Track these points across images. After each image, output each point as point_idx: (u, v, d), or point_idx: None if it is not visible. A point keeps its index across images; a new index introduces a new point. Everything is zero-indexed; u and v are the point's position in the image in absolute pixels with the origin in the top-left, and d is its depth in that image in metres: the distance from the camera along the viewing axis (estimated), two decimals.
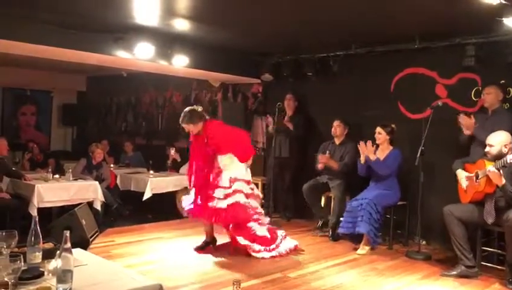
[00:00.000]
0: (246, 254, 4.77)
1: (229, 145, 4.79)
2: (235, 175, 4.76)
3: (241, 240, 4.77)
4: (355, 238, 5.26)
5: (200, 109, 4.85)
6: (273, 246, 4.89)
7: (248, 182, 4.87)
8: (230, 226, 4.79)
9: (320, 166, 5.95)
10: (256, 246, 4.79)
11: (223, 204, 4.64)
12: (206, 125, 4.78)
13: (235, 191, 4.71)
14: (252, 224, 4.83)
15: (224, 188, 4.71)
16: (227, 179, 4.74)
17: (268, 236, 4.92)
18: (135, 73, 8.70)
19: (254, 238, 4.81)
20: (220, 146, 4.77)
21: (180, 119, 4.79)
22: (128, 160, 8.68)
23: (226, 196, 4.67)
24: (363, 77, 6.30)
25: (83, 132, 11.17)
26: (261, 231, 4.89)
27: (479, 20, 4.51)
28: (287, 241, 5.06)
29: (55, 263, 2.06)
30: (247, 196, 4.79)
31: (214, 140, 4.75)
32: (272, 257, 4.81)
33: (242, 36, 5.99)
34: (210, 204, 4.67)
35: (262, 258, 4.75)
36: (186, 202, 4.98)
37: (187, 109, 4.84)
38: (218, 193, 4.70)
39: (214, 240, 5.13)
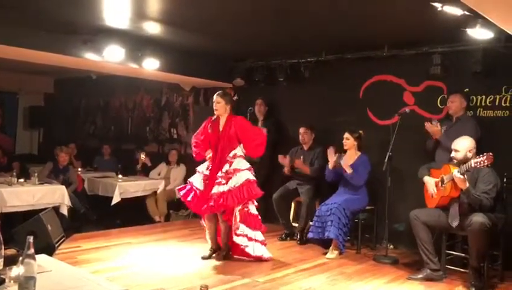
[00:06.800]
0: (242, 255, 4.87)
1: (247, 139, 4.88)
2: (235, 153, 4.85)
3: (239, 240, 4.78)
4: (324, 243, 5.31)
5: (235, 97, 4.95)
6: (262, 238, 4.93)
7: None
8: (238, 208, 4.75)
9: (286, 170, 5.99)
10: (251, 247, 4.82)
11: (224, 187, 4.67)
12: (234, 116, 4.95)
13: (235, 170, 4.73)
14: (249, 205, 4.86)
15: (226, 172, 4.75)
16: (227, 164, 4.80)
17: (259, 217, 4.94)
18: (105, 76, 8.57)
19: (247, 218, 4.81)
20: (240, 137, 4.87)
21: (216, 93, 4.98)
22: (104, 163, 8.53)
23: (228, 178, 4.71)
24: (333, 83, 6.39)
25: (50, 135, 10.91)
26: (254, 210, 4.91)
27: (444, 30, 4.65)
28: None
29: (17, 270, 2.00)
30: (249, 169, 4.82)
31: (239, 130, 4.85)
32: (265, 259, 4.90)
33: (214, 41, 5.99)
34: (212, 192, 4.68)
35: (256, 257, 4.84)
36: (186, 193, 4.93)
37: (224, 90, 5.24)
38: (221, 178, 4.74)
39: (219, 247, 5.03)
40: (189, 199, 4.87)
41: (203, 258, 4.91)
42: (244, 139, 4.87)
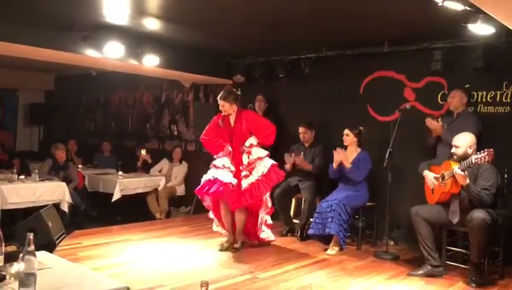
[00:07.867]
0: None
1: (258, 131, 5.04)
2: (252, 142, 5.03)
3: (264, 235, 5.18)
4: (325, 239, 5.30)
5: (238, 92, 5.11)
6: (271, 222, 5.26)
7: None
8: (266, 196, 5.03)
9: (288, 167, 5.99)
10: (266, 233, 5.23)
11: (252, 178, 4.87)
12: (243, 111, 5.09)
13: (257, 159, 4.92)
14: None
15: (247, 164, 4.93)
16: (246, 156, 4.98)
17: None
18: (105, 72, 8.56)
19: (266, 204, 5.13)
20: (252, 130, 5.03)
21: (219, 95, 5.02)
22: (104, 160, 8.53)
23: (252, 169, 4.90)
24: (334, 79, 6.37)
25: (51, 132, 10.91)
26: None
27: (445, 26, 4.63)
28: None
29: (17, 267, 2.01)
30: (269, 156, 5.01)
31: (251, 125, 5.00)
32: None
33: (214, 37, 5.97)
34: (243, 187, 4.88)
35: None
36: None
37: (227, 87, 5.22)
38: (246, 171, 4.94)
39: (235, 240, 5.19)
40: (224, 195, 4.91)
41: (221, 250, 5.06)
42: (255, 131, 5.03)
